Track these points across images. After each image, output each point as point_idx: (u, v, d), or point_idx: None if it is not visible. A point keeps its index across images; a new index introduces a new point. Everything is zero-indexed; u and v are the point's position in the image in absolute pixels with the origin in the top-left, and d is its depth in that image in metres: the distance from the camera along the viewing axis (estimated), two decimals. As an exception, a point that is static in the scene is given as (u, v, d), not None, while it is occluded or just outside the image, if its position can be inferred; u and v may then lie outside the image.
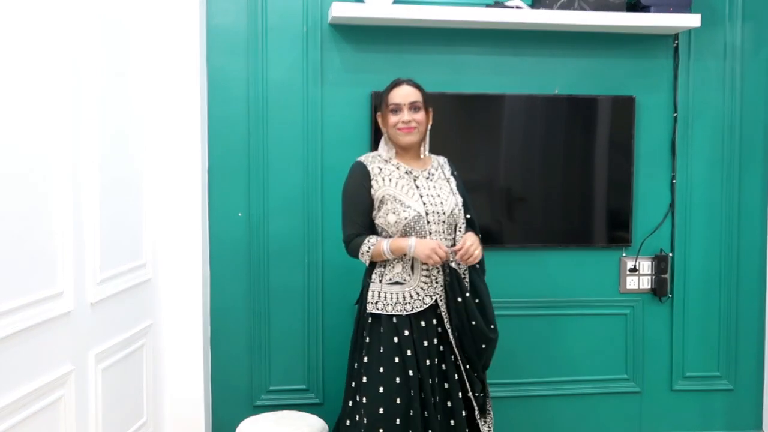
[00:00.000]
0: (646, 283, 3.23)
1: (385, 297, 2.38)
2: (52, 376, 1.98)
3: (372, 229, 2.46)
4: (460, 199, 2.47)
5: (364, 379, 2.37)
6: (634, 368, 3.25)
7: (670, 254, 3.23)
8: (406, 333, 2.34)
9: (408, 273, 2.37)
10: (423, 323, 2.37)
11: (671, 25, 2.99)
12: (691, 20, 2.98)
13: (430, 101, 2.50)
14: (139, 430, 2.60)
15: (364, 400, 2.35)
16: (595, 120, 3.14)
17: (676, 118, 3.19)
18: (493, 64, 3.09)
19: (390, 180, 2.41)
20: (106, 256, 2.29)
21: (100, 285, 2.26)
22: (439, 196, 2.42)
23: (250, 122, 2.96)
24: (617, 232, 3.19)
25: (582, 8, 2.98)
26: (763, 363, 3.31)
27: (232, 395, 3.02)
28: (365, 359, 2.39)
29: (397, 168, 2.44)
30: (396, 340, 2.34)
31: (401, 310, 2.36)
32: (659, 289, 3.21)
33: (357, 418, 2.39)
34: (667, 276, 3.21)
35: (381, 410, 2.31)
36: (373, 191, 2.41)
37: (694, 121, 3.20)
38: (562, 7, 2.98)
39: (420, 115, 2.43)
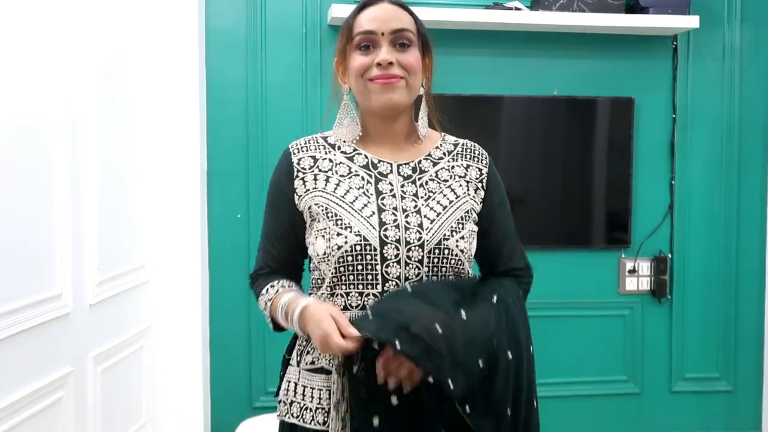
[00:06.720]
0: (645, 284, 3.23)
1: (302, 394, 1.40)
2: (50, 377, 1.98)
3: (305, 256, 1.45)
4: (471, 226, 1.42)
5: None
6: (633, 370, 3.25)
7: (669, 255, 3.22)
8: None
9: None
10: None
11: (670, 27, 2.99)
12: (690, 22, 2.98)
13: (430, 36, 1.48)
14: (138, 431, 2.60)
15: None
16: (594, 121, 3.14)
17: (675, 119, 3.19)
18: (491, 66, 3.09)
19: (327, 179, 1.39)
20: (105, 257, 2.29)
21: (99, 287, 2.26)
22: (419, 212, 1.36)
23: (249, 124, 2.96)
24: (616, 233, 3.19)
25: (581, 10, 2.98)
26: (762, 364, 3.30)
27: (231, 397, 3.02)
28: None
29: (350, 158, 1.41)
30: None
31: (323, 422, 1.33)
32: (658, 291, 3.21)
33: None
34: (667, 277, 3.21)
35: None
36: (296, 199, 1.40)
37: (693, 122, 3.20)
38: (561, 8, 2.98)
39: (412, 56, 1.39)
